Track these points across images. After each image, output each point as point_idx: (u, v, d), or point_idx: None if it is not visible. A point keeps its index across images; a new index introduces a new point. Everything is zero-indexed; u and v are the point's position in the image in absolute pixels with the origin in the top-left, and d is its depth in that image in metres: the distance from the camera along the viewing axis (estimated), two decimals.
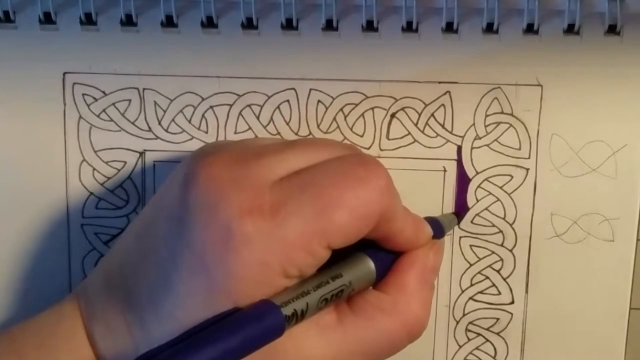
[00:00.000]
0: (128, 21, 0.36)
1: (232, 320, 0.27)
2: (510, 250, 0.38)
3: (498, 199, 0.37)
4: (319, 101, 0.37)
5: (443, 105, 0.37)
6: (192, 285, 0.28)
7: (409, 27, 0.36)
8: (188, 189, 0.29)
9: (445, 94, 0.36)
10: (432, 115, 0.37)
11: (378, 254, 0.32)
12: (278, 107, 0.37)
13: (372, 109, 0.37)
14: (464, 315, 0.38)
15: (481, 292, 0.38)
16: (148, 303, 0.29)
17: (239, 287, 0.28)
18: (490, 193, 0.37)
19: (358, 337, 0.31)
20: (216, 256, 0.28)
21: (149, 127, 0.37)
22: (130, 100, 0.37)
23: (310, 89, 0.37)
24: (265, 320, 0.28)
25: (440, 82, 0.36)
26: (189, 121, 0.37)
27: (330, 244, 0.29)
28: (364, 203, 0.29)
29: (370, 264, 0.32)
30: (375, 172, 0.30)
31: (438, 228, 0.34)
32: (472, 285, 0.38)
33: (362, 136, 0.37)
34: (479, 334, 0.38)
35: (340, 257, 0.31)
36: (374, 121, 0.37)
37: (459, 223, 0.37)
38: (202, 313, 0.28)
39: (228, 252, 0.28)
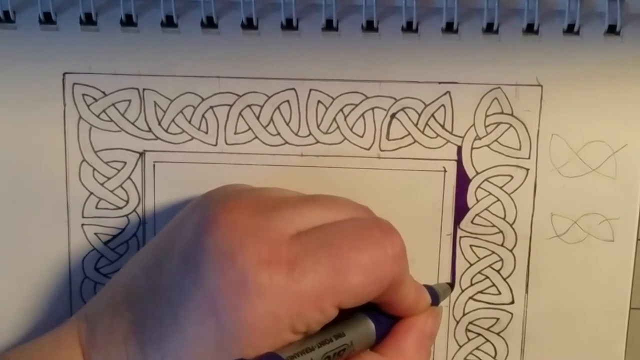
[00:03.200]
0: (128, 21, 0.36)
1: None
2: (511, 250, 0.38)
3: (498, 199, 0.37)
4: (319, 101, 0.37)
5: (443, 105, 0.37)
6: (201, 329, 0.28)
7: (409, 27, 0.36)
8: (206, 232, 0.29)
9: (445, 94, 0.36)
10: (432, 115, 0.37)
11: (379, 316, 0.32)
12: (278, 107, 0.37)
13: (372, 109, 0.37)
14: (464, 315, 0.38)
15: (481, 292, 0.38)
16: (152, 338, 0.29)
17: (248, 336, 0.28)
18: (491, 193, 0.37)
19: None
20: (229, 303, 0.28)
21: (149, 128, 0.37)
22: (130, 101, 0.37)
23: (310, 89, 0.37)
24: None
25: (440, 82, 0.36)
26: (189, 121, 0.37)
27: (341, 304, 0.29)
28: (379, 267, 0.30)
29: (372, 326, 0.32)
30: (391, 237, 0.30)
31: (433, 295, 0.35)
32: (472, 285, 0.38)
33: (362, 136, 0.37)
34: (479, 334, 0.38)
35: (341, 316, 0.31)
36: (374, 121, 0.37)
37: (451, 292, 0.38)
38: (207, 357, 0.28)
39: (241, 301, 0.28)
